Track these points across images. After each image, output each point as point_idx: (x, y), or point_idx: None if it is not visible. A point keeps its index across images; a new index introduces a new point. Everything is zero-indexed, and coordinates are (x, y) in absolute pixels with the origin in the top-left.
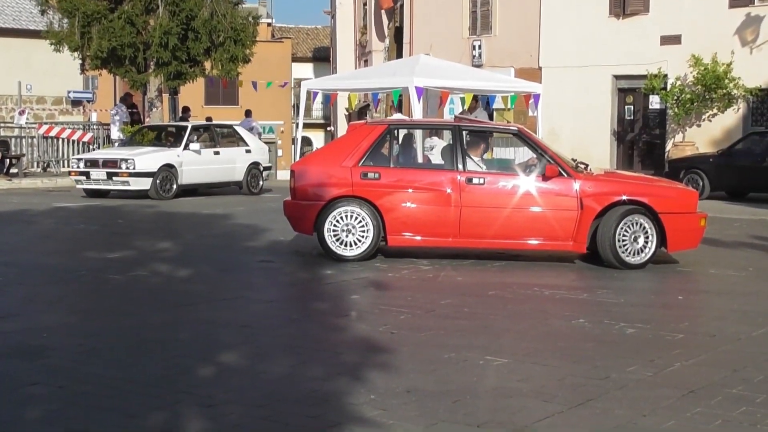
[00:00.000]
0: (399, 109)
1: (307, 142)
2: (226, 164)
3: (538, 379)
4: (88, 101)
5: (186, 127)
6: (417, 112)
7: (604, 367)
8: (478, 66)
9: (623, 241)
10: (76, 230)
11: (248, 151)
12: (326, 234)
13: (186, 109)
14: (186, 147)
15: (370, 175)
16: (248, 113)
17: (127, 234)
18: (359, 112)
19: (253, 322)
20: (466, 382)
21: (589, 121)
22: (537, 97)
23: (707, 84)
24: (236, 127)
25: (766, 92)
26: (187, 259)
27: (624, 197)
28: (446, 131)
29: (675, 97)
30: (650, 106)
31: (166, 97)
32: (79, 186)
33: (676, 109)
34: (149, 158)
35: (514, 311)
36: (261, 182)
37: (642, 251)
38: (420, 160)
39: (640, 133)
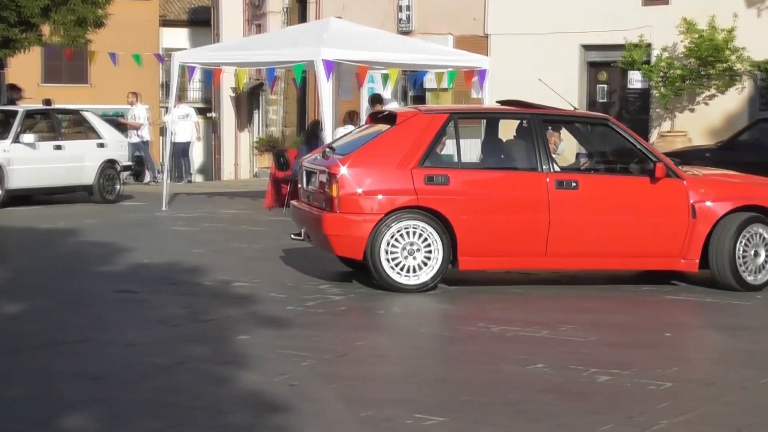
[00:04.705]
0: (377, 100)
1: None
2: (71, 162)
3: None
4: None
5: (16, 112)
6: (325, 93)
7: (569, 427)
8: (406, 33)
9: (744, 257)
10: None
11: (101, 145)
12: (383, 257)
13: (14, 88)
14: (16, 139)
15: (437, 178)
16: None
17: None
18: (250, 94)
19: (108, 372)
20: None
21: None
22: (483, 73)
23: (703, 56)
24: (85, 114)
25: None
26: (18, 289)
27: (745, 203)
28: (519, 122)
29: (661, 74)
30: (629, 85)
31: None
32: None
33: (662, 89)
34: None
35: (451, 354)
36: (118, 186)
37: (763, 268)
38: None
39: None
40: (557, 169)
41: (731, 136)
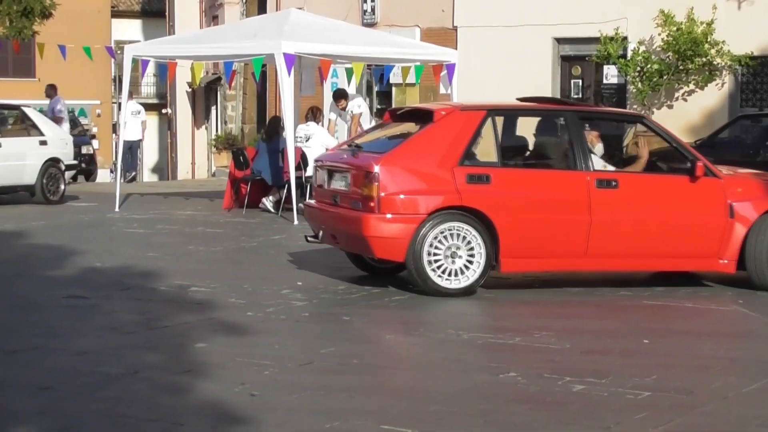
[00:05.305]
0: (341, 95)
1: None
2: (11, 161)
3: None
4: None
5: None
6: (286, 88)
7: None
8: (371, 25)
9: None
10: None
11: (43, 143)
12: (425, 260)
13: None
14: None
15: (478, 177)
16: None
17: None
18: (207, 89)
19: (57, 382)
20: None
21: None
22: (451, 67)
23: (681, 50)
24: (27, 110)
25: (759, 61)
26: None
27: None
28: (558, 119)
29: (638, 68)
30: (605, 80)
31: None
32: None
33: (639, 85)
34: None
35: (420, 362)
36: (62, 186)
37: None
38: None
39: None
40: (598, 167)
41: (711, 134)
